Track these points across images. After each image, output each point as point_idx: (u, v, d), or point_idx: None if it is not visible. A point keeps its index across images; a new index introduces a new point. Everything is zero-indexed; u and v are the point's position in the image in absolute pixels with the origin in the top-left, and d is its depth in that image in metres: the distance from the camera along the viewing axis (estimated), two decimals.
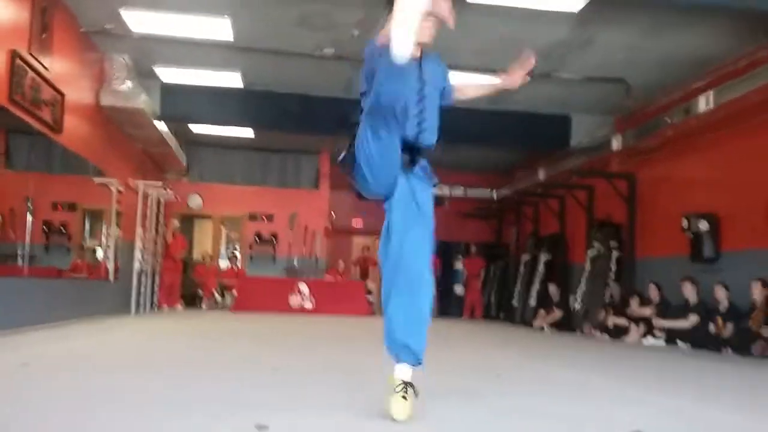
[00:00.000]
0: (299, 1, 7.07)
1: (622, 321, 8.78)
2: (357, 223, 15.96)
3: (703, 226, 8.04)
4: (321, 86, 9.73)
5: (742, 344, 6.71)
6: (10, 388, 3.09)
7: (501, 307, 13.54)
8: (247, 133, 12.31)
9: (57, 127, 7.11)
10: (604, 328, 9.06)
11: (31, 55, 6.33)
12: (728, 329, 7.10)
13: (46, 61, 6.70)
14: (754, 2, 6.05)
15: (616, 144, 9.37)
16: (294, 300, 12.02)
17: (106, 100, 8.70)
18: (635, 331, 8.39)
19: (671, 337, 7.75)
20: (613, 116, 10.16)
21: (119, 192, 9.45)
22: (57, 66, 7.04)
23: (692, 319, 7.59)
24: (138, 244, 10.07)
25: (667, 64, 8.30)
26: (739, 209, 7.71)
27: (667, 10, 6.80)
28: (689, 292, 7.78)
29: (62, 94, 7.16)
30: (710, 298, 7.54)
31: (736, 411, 3.26)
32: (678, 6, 6.60)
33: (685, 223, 8.18)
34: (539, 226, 13.14)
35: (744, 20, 6.94)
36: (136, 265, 9.95)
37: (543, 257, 12.05)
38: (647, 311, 8.34)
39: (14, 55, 5.95)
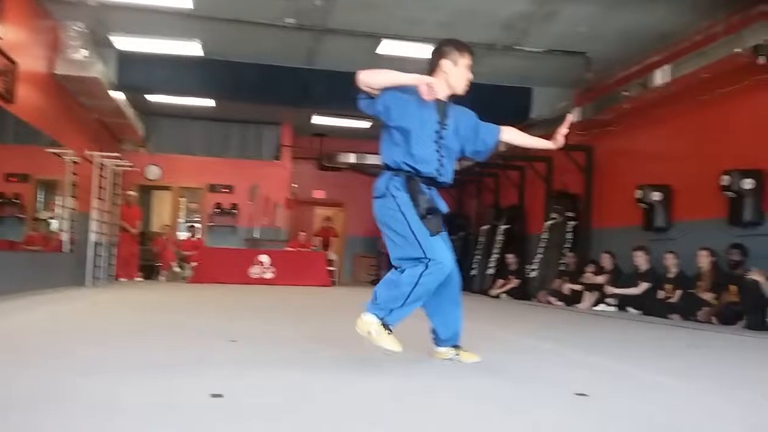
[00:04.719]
0: None
1: (576, 288, 9.06)
2: (319, 194, 15.95)
3: (656, 196, 8.32)
4: (282, 56, 9.63)
5: (689, 310, 7.02)
6: None
7: (460, 275, 13.77)
8: (207, 103, 12.12)
9: (9, 96, 6.91)
10: (558, 296, 9.34)
11: None
12: (677, 295, 7.41)
13: None
14: None
15: (575, 116, 9.55)
16: (254, 271, 12.01)
17: (61, 69, 8.46)
18: (588, 298, 8.68)
19: (623, 303, 8.06)
20: (573, 89, 10.34)
21: (74, 163, 9.25)
22: (9, 34, 6.81)
23: (643, 286, 7.89)
24: (94, 215, 9.88)
25: (628, 39, 8.45)
26: (691, 181, 7.99)
27: None
28: (641, 260, 8.07)
29: (15, 63, 6.95)
30: (660, 266, 7.84)
31: (676, 375, 3.43)
32: None
33: (639, 193, 8.45)
34: (500, 198, 13.35)
35: None
36: (92, 237, 9.78)
37: (502, 227, 12.27)
38: (600, 279, 8.63)
39: None
